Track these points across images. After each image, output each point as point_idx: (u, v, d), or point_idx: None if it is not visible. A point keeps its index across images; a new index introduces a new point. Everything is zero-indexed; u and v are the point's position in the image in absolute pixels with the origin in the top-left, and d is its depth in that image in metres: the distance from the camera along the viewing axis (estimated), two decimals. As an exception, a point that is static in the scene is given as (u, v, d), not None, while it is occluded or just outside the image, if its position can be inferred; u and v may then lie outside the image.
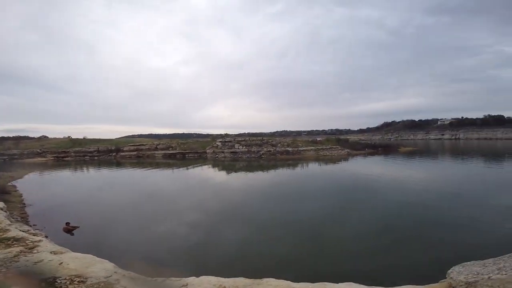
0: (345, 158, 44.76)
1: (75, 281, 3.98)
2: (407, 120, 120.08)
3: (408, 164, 35.79)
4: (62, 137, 56.27)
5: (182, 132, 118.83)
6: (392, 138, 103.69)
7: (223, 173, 32.72)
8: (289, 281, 4.57)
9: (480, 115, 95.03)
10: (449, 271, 3.86)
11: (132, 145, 52.24)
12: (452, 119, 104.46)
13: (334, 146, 50.99)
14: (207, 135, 77.36)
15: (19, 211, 14.38)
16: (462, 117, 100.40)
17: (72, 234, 11.57)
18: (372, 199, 16.61)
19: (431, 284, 4.02)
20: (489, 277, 3.13)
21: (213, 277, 4.79)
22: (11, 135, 55.45)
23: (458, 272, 3.68)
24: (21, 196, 18.35)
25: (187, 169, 35.46)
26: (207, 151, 49.91)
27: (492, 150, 51.02)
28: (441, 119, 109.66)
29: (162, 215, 14.40)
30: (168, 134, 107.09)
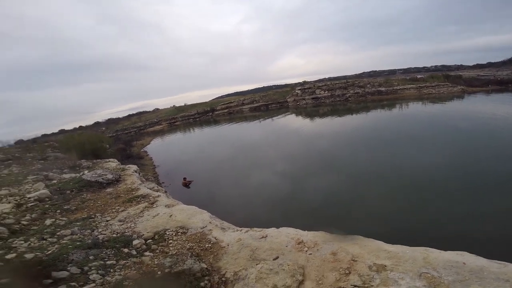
0: (459, 96, 35.30)
1: (179, 232, 4.97)
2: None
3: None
4: (169, 107, 67.71)
5: (262, 86, 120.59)
6: (530, 73, 72.86)
7: (307, 120, 32.01)
8: (380, 241, 4.07)
9: None
10: None
11: (223, 104, 57.32)
12: None
13: (442, 83, 40.37)
14: (285, 85, 75.62)
15: (152, 172, 17.73)
16: None
17: (189, 187, 13.88)
18: (497, 147, 12.79)
19: None
20: None
21: (292, 229, 4.80)
22: (134, 112, 70.55)
23: None
24: (151, 159, 22.50)
25: (272, 119, 36.50)
26: (288, 99, 49.32)
27: None
28: None
29: (253, 166, 15.64)
30: (250, 90, 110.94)
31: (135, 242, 4.48)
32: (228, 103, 57.12)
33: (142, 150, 28.31)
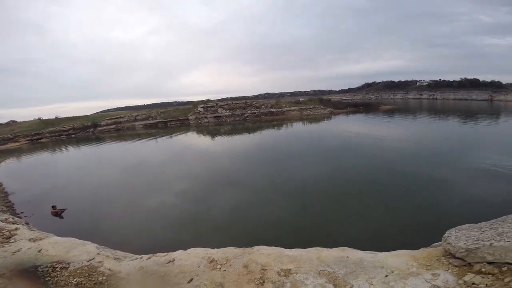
0: (328, 116, 45.77)
1: (57, 267, 3.93)
2: (387, 81, 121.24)
3: (388, 122, 36.89)
4: (32, 119, 52.70)
5: (161, 102, 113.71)
6: (373, 98, 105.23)
7: (207, 138, 32.48)
8: (281, 248, 4.47)
9: (456, 78, 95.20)
10: (445, 235, 3.46)
11: (110, 119, 49.82)
12: (430, 80, 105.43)
13: (317, 106, 51.64)
14: (188, 103, 74.42)
15: (3, 201, 13.85)
16: (440, 79, 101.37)
17: (62, 217, 11.41)
18: (356, 159, 16.87)
19: (424, 249, 3.81)
20: (490, 244, 2.88)
21: (201, 249, 4.66)
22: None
23: (456, 237, 3.27)
24: (1, 185, 17.42)
25: (171, 137, 34.79)
26: (190, 117, 48.63)
27: (467, 110, 50.26)
28: (419, 80, 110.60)
29: (149, 188, 14.32)
30: (147, 105, 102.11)
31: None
32: (116, 118, 50.30)
33: (-16, 174, 20.70)
